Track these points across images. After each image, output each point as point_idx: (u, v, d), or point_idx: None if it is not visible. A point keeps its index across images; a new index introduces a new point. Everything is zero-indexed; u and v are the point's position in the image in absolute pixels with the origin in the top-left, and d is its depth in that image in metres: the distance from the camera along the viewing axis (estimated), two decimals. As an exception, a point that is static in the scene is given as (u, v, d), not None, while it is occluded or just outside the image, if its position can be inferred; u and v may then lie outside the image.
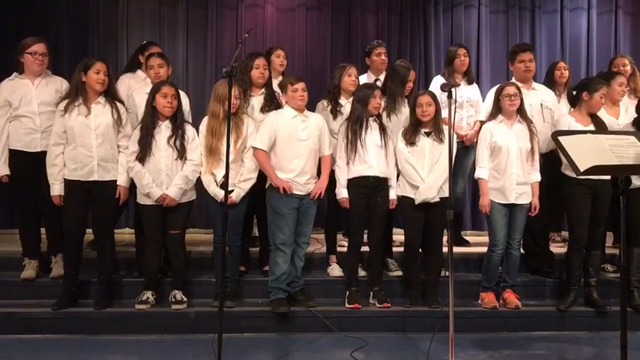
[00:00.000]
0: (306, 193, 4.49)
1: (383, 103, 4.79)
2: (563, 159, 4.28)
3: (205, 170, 4.46)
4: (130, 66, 5.40)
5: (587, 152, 3.22)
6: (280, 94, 4.66)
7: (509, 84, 4.75)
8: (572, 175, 4.52)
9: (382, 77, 5.31)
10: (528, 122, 4.66)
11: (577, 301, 4.69)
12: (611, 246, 5.33)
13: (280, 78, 5.10)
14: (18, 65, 4.64)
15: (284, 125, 4.46)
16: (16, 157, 4.59)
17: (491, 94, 5.10)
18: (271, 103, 4.76)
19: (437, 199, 4.52)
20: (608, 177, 4.46)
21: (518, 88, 4.66)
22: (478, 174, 4.67)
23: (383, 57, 5.38)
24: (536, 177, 4.65)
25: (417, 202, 4.54)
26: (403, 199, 4.62)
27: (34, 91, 4.57)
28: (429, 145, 4.57)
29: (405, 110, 4.94)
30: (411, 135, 4.58)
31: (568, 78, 5.52)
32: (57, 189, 4.38)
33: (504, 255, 4.66)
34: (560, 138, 3.36)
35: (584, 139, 3.35)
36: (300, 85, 4.50)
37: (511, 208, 4.60)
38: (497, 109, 4.69)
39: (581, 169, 3.17)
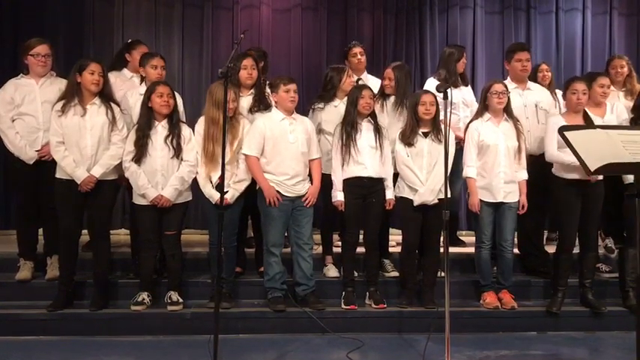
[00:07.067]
0: (297, 195, 4.48)
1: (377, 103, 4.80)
2: (568, 159, 4.27)
3: (203, 174, 4.44)
4: (115, 64, 5.28)
5: (598, 150, 2.96)
6: (270, 94, 4.64)
7: (497, 81, 4.74)
8: (562, 176, 4.54)
9: (363, 76, 5.33)
10: (515, 120, 4.66)
11: (564, 300, 4.66)
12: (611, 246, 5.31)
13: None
14: (23, 66, 4.66)
15: (272, 128, 4.44)
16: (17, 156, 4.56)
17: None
18: (260, 104, 4.72)
19: (435, 201, 4.53)
20: (599, 177, 4.44)
21: (505, 86, 4.65)
22: (466, 173, 4.66)
23: (359, 57, 5.37)
24: (524, 175, 4.65)
25: (415, 204, 4.54)
26: (401, 200, 4.62)
27: (38, 90, 4.58)
28: (427, 146, 4.56)
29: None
30: (409, 136, 4.57)
31: (551, 79, 5.54)
32: (82, 172, 4.28)
33: (498, 257, 4.66)
34: (568, 134, 3.05)
35: (594, 135, 3.10)
36: (293, 87, 4.49)
37: (499, 206, 4.60)
38: (483, 107, 4.67)
39: (592, 169, 2.89)
